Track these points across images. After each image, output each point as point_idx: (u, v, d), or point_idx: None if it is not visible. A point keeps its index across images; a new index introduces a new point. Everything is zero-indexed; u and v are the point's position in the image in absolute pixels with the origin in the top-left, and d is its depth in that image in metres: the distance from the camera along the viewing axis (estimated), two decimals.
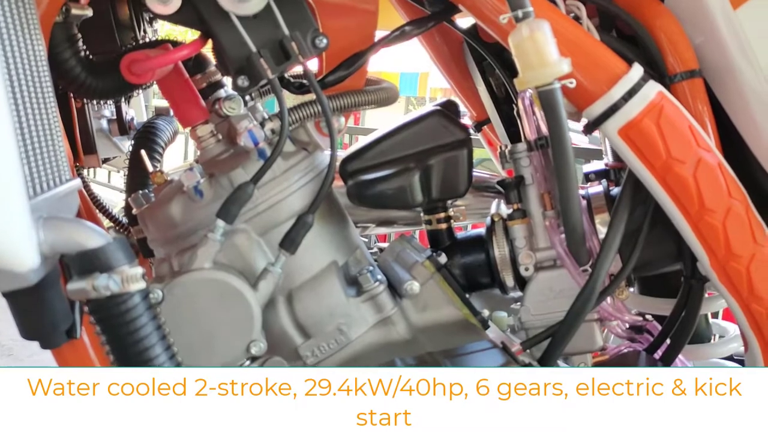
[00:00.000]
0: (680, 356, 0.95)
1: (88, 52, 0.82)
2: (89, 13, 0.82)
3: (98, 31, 0.91)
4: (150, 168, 0.92)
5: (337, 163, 0.85)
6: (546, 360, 0.78)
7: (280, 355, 0.81)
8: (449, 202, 0.91)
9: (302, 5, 0.76)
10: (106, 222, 1.00)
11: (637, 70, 0.74)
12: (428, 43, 1.06)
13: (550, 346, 0.78)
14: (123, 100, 1.02)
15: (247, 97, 0.88)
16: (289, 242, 0.75)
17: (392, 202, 0.81)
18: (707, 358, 1.02)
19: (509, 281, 0.89)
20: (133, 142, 0.97)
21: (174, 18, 0.74)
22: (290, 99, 0.86)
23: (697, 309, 0.86)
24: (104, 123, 1.00)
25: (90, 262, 0.59)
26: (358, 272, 0.83)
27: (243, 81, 0.76)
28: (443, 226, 0.93)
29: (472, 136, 0.86)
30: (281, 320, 0.79)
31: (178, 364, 0.65)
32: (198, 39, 0.76)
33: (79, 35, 0.81)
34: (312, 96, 0.83)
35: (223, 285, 0.72)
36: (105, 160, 1.07)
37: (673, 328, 0.88)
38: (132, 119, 1.03)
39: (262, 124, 0.79)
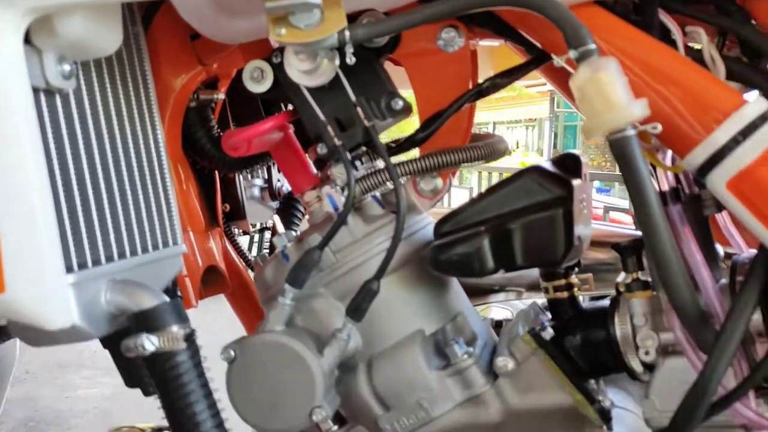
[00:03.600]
0: None
1: (219, 131, 0.92)
2: (220, 96, 0.93)
3: (248, 107, 1.03)
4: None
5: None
6: None
7: (363, 424, 0.78)
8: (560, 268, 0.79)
9: (375, 70, 0.76)
10: None
11: (756, 105, 0.57)
12: (566, 94, 0.96)
13: None
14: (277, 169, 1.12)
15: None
16: (353, 309, 0.73)
17: (460, 270, 0.73)
18: None
19: (636, 366, 0.74)
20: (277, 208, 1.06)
21: (268, 95, 0.80)
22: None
23: None
24: (256, 191, 1.11)
25: (141, 321, 0.65)
26: (447, 343, 0.77)
27: (321, 148, 0.78)
28: (563, 295, 0.81)
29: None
30: (361, 389, 0.77)
31: (220, 423, 0.67)
32: (285, 112, 0.81)
33: (212, 116, 0.92)
34: (409, 156, 0.81)
35: (286, 349, 0.73)
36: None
37: None
38: (282, 186, 1.12)
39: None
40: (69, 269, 0.62)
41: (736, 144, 0.56)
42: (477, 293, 1.16)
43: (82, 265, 0.64)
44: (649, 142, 0.66)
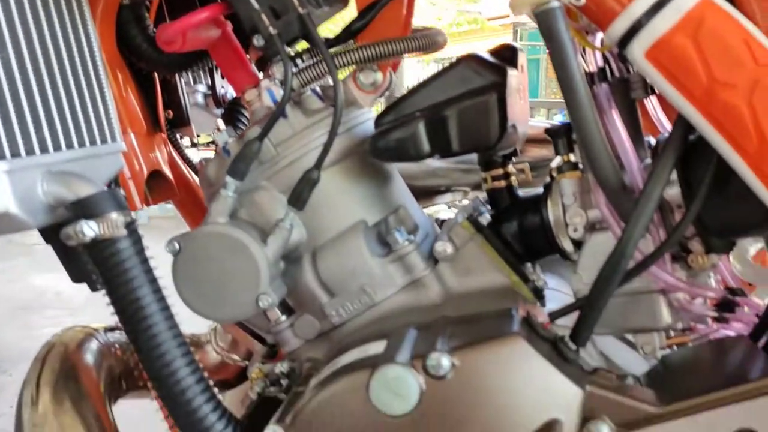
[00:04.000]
0: None
1: (155, 30, 0.90)
2: None
3: (184, 6, 1.00)
4: None
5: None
6: (576, 336, 0.66)
7: (310, 312, 0.81)
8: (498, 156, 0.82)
9: None
10: None
11: None
12: None
13: (579, 320, 0.66)
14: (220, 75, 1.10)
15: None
16: (295, 198, 0.75)
17: (398, 155, 0.75)
18: None
19: (567, 245, 0.78)
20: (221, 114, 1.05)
21: None
22: None
23: None
24: (200, 97, 1.10)
25: (79, 209, 0.66)
26: (389, 232, 0.79)
27: (257, 40, 0.77)
28: (501, 184, 0.84)
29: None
30: (306, 278, 0.79)
31: (166, 308, 0.69)
32: (219, 3, 0.80)
33: (146, 15, 0.90)
34: (346, 47, 0.81)
35: (230, 239, 0.74)
36: None
37: None
38: (226, 93, 1.11)
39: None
40: (1, 157, 0.61)
41: (654, 12, 0.58)
42: (424, 195, 1.19)
43: (15, 154, 0.64)
44: (577, 21, 0.67)
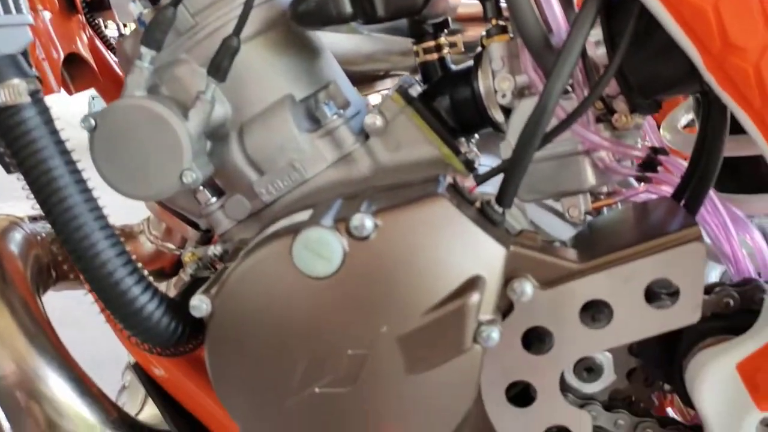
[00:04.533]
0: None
1: None
2: None
3: None
4: None
5: None
6: (501, 198, 0.66)
7: (240, 192, 0.79)
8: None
9: None
10: None
11: None
12: None
13: (503, 182, 0.66)
14: None
15: None
16: (215, 68, 0.71)
17: (319, 18, 0.72)
18: None
19: (497, 115, 0.77)
20: None
21: None
22: None
23: (720, 132, 0.66)
24: None
25: None
26: (318, 107, 0.77)
27: None
28: (433, 57, 0.82)
29: None
30: (234, 156, 0.77)
31: (80, 181, 0.67)
32: None
33: None
34: None
35: (148, 112, 0.71)
36: None
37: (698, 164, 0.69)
38: None
39: None
40: None
41: None
42: (363, 81, 1.16)
43: None
44: None
